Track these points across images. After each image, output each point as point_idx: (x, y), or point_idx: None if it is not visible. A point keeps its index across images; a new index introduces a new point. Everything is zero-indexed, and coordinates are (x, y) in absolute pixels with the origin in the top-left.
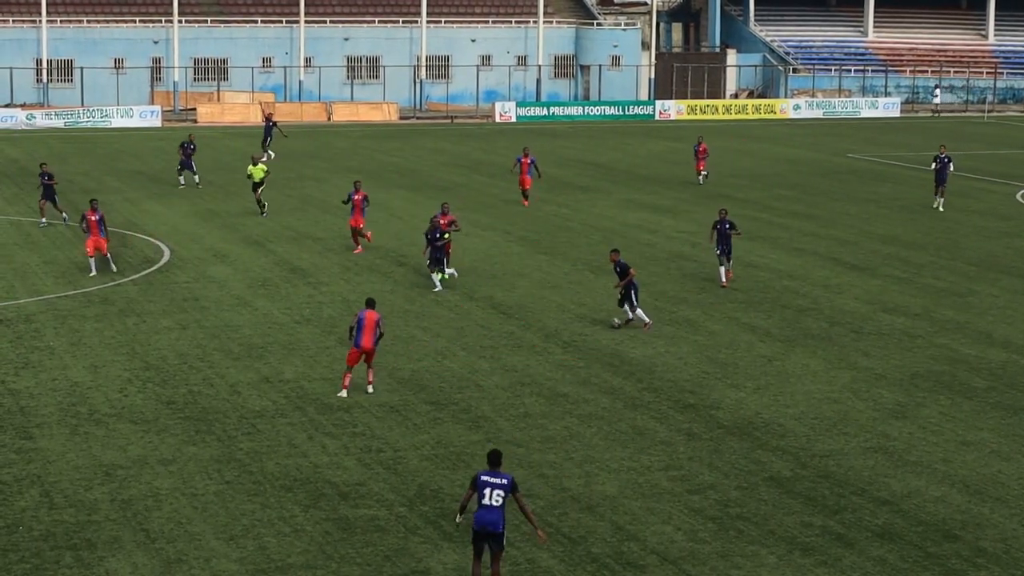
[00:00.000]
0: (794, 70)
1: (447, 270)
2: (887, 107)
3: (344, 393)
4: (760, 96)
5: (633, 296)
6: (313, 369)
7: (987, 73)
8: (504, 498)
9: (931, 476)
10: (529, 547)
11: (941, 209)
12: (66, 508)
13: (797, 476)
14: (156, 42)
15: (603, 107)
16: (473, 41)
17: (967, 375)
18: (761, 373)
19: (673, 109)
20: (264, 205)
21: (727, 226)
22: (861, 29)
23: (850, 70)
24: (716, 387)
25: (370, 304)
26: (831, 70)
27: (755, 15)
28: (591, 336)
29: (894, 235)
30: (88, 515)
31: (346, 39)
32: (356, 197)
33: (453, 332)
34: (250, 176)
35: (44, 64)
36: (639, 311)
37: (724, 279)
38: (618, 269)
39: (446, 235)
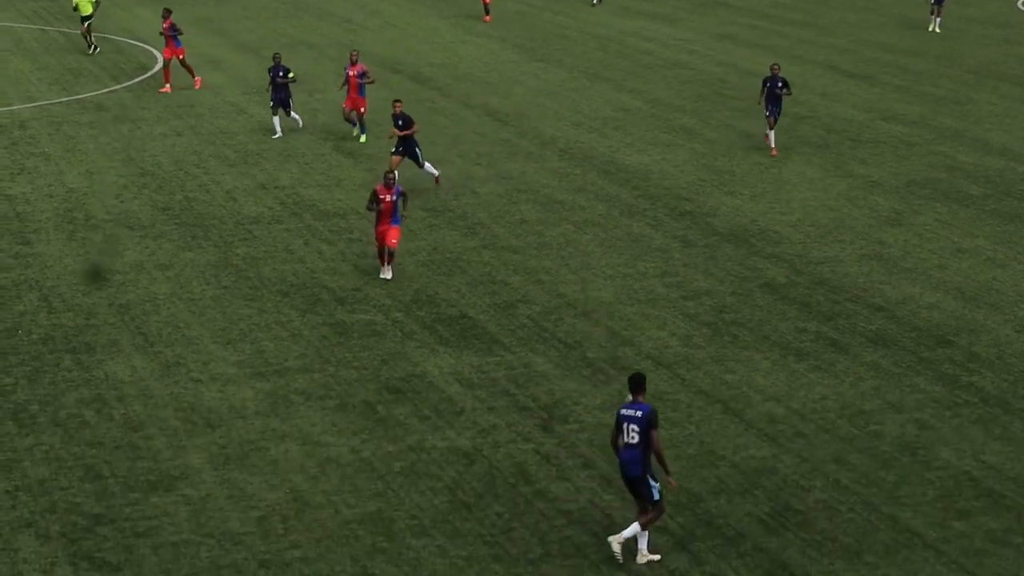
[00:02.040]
0: None
1: (293, 114)
2: None
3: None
4: None
5: (418, 154)
6: (309, 176)
7: None
8: (640, 434)
9: (926, 282)
10: (525, 351)
11: (937, 30)
12: (65, 312)
13: (792, 282)
14: None
15: None
16: None
17: (964, 182)
18: (758, 180)
19: None
20: (93, 44)
21: (779, 84)
22: None
23: None
24: (712, 194)
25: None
26: None
27: None
28: (587, 143)
29: (892, 43)
30: (86, 319)
31: None
32: (350, 72)
33: (449, 139)
34: (76, 8)
35: None
36: (427, 165)
37: (772, 145)
38: (400, 122)
39: (290, 74)
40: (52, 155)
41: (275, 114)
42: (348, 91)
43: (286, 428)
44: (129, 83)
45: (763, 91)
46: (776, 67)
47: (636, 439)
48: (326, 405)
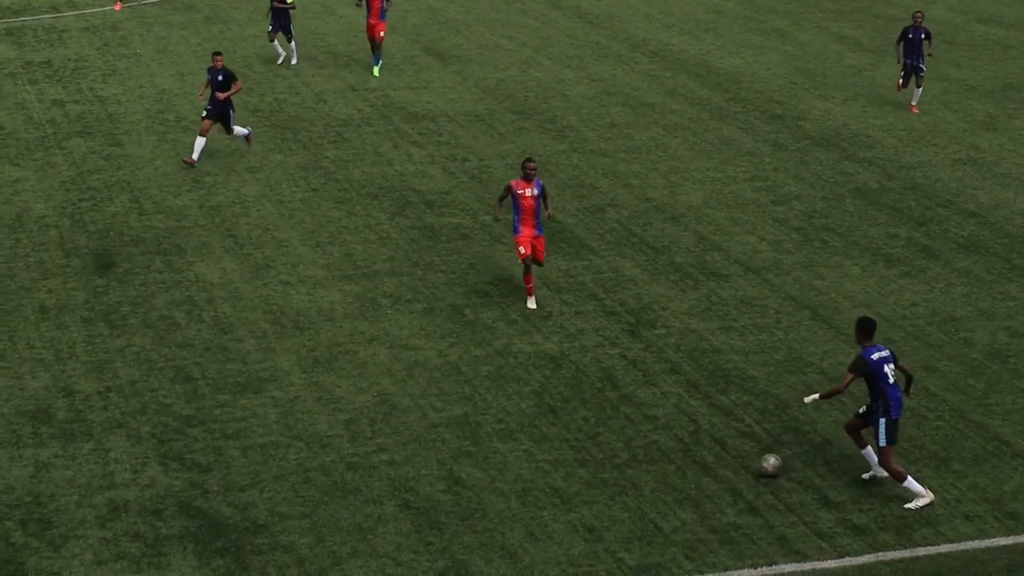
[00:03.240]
0: None
1: (292, 44)
2: None
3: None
4: None
5: (231, 117)
6: (399, 78)
7: None
8: (894, 370)
9: (1019, 188)
10: (613, 255)
11: None
12: (155, 214)
13: (883, 187)
14: None
15: None
16: None
17: None
18: (850, 84)
19: None
20: None
21: (921, 35)
22: None
23: None
24: (804, 97)
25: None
26: None
27: None
28: (678, 46)
29: None
30: (177, 221)
31: None
32: None
33: (539, 41)
34: None
35: None
36: (237, 128)
37: (914, 101)
38: (220, 77)
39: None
40: (144, 56)
41: (273, 40)
42: (369, 15)
43: (374, 331)
44: None
45: (899, 42)
46: (919, 16)
47: (894, 377)
48: (414, 308)
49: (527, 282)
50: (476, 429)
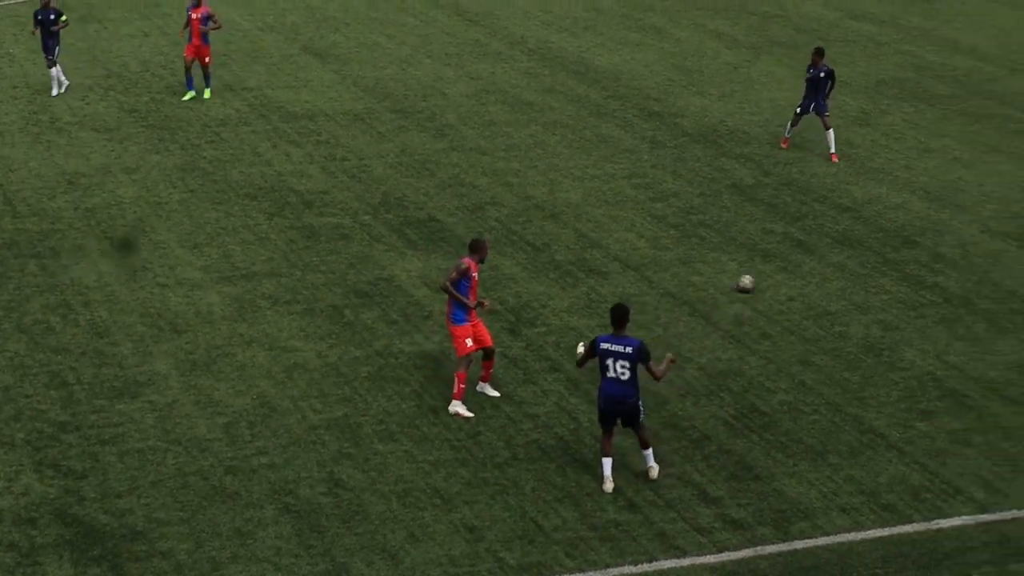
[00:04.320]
0: None
1: (54, 70)
2: None
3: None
4: None
5: (56, 51)
6: (277, 77)
7: None
8: (632, 370)
9: (892, 183)
10: (492, 254)
11: None
12: (29, 216)
13: (760, 183)
14: None
15: None
16: None
17: (931, 82)
18: (727, 80)
19: None
20: None
21: (821, 74)
22: None
23: None
24: (681, 94)
25: (470, 247)
26: None
27: None
28: (556, 43)
29: None
30: (52, 223)
31: None
32: (193, 15)
33: (418, 39)
34: None
35: None
36: (56, 69)
37: (832, 149)
38: (52, 16)
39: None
40: (17, 56)
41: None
42: (190, 37)
43: (253, 333)
44: None
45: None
46: (819, 53)
47: (628, 375)
48: (293, 310)
49: (485, 368)
50: (356, 430)
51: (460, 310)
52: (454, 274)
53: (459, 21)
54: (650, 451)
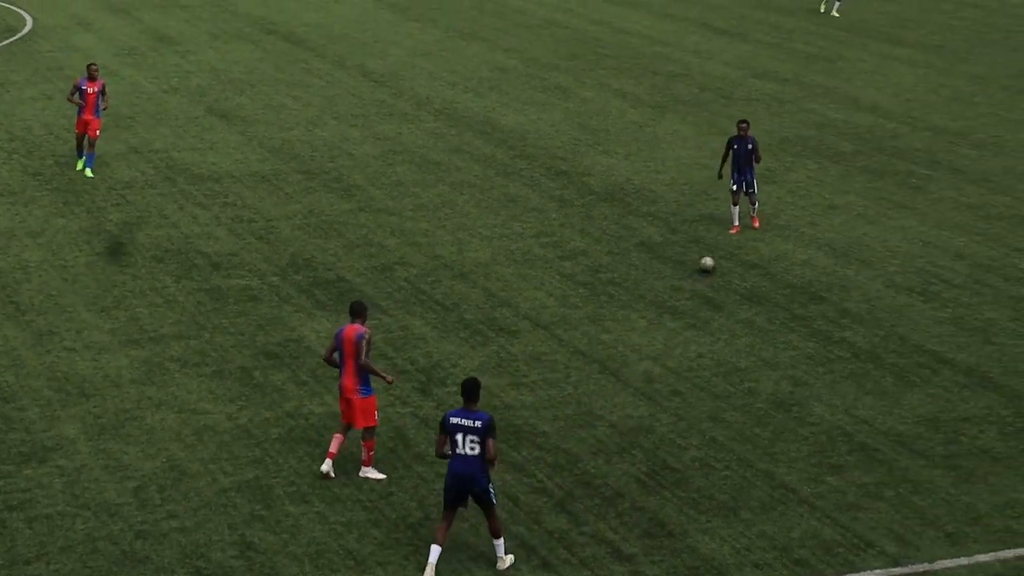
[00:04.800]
0: None
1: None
2: None
3: (327, 467)
4: None
5: None
6: (182, 139)
7: None
8: (481, 445)
9: (798, 239)
10: (402, 313)
11: (835, 14)
12: None
13: (667, 241)
14: None
15: None
16: None
17: (835, 139)
18: (632, 139)
19: None
20: None
21: (748, 145)
22: None
23: None
24: (588, 153)
25: (353, 313)
26: None
27: None
28: (462, 104)
29: (765, 0)
30: None
31: None
32: (88, 89)
33: (324, 101)
34: None
35: None
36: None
37: (753, 213)
38: None
39: None
40: None
41: None
42: (82, 110)
43: (162, 396)
44: None
45: (726, 155)
46: (744, 125)
47: (477, 450)
48: (202, 372)
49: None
50: (268, 492)
51: (370, 383)
52: (366, 348)
53: (364, 82)
54: (501, 541)
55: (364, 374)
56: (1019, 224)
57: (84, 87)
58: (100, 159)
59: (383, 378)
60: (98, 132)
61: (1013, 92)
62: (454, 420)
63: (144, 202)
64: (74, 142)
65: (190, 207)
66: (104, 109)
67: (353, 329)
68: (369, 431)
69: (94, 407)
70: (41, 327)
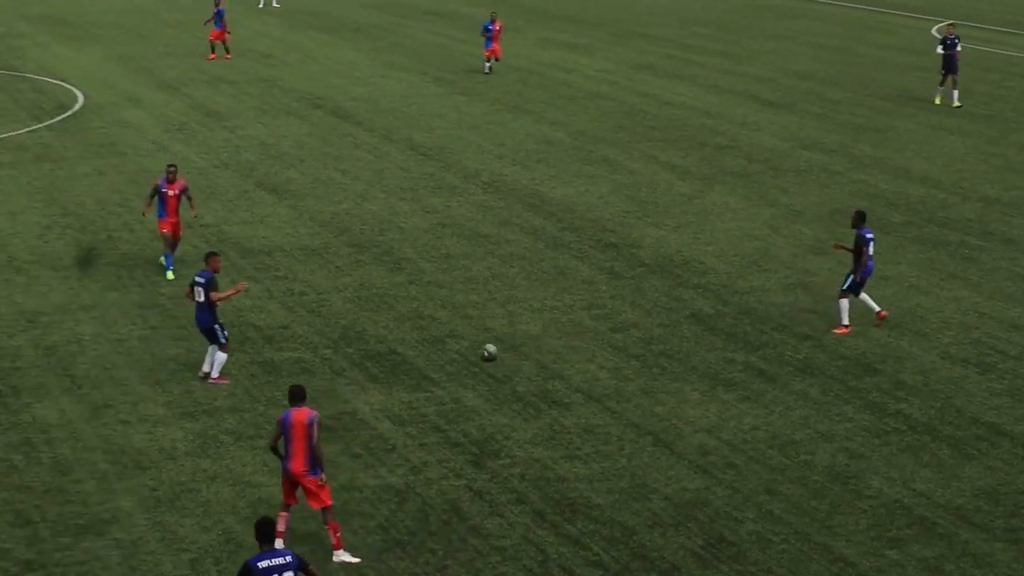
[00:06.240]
0: None
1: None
2: None
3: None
4: None
5: None
6: (233, 213)
7: None
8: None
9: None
10: (454, 386)
11: (957, 103)
12: None
13: (719, 313)
14: None
15: None
16: None
17: (885, 210)
18: (681, 211)
19: None
20: None
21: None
22: None
23: None
24: (637, 226)
25: (296, 397)
26: None
27: None
28: (510, 176)
29: (811, 71)
30: (12, 362)
31: None
32: (169, 192)
33: (372, 174)
34: None
35: None
36: None
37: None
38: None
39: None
40: None
41: None
42: (164, 212)
43: (217, 468)
44: (49, 122)
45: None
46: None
47: None
48: (256, 444)
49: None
50: (323, 566)
51: (320, 465)
52: (318, 430)
53: (412, 156)
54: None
55: (314, 457)
56: None
57: (164, 189)
58: (153, 232)
59: (320, 458)
60: (180, 233)
61: None
62: (262, 564)
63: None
64: (161, 245)
65: (241, 281)
66: (194, 216)
67: (303, 413)
68: (328, 512)
69: (150, 480)
70: (96, 400)
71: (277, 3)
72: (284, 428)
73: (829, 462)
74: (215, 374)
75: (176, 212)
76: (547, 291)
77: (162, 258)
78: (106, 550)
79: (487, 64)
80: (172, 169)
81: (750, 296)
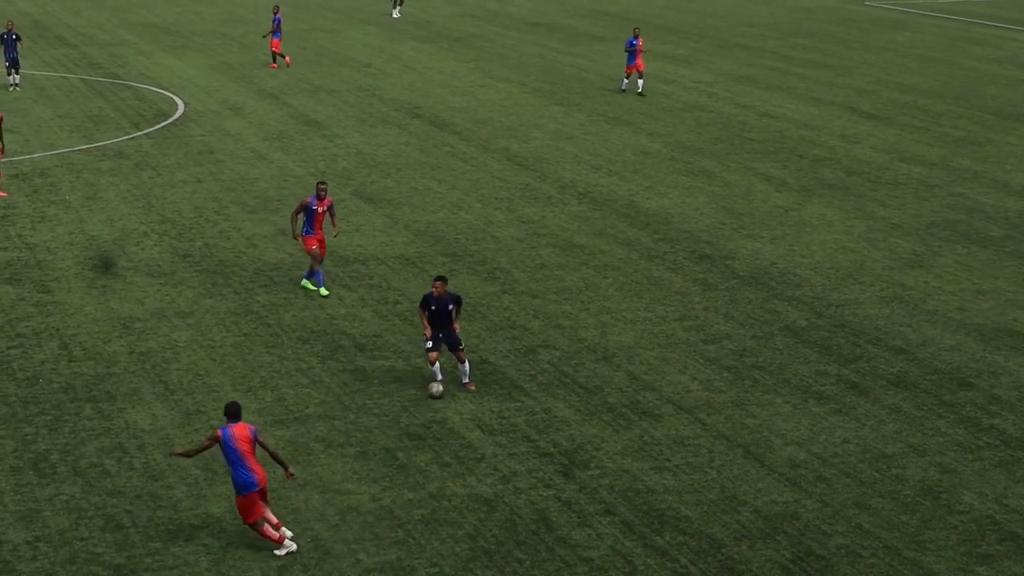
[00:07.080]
0: None
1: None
2: None
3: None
4: None
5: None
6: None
7: None
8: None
9: (946, 325)
10: (545, 396)
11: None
12: (85, 361)
13: (812, 325)
14: None
15: None
16: None
17: (983, 224)
18: (777, 223)
19: None
20: None
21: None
22: None
23: None
24: (732, 237)
25: (232, 414)
26: None
27: None
28: (607, 187)
29: (912, 84)
30: (107, 367)
31: None
32: (318, 209)
33: (469, 184)
34: None
35: None
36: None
37: None
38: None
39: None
40: (73, 203)
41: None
42: (311, 228)
43: (307, 476)
44: (149, 130)
45: None
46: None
47: None
48: (347, 452)
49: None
50: (410, 574)
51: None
52: (263, 436)
53: (509, 165)
54: None
55: (277, 461)
56: None
57: (315, 207)
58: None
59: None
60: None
61: None
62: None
63: (291, 283)
64: (309, 261)
65: (336, 289)
66: (335, 235)
67: (243, 428)
68: (259, 524)
69: None
70: (189, 406)
71: (398, 14)
72: (225, 448)
73: (920, 476)
74: (465, 380)
75: (322, 228)
76: (640, 302)
77: (306, 280)
78: (196, 555)
79: (625, 80)
80: (323, 187)
81: (844, 309)
